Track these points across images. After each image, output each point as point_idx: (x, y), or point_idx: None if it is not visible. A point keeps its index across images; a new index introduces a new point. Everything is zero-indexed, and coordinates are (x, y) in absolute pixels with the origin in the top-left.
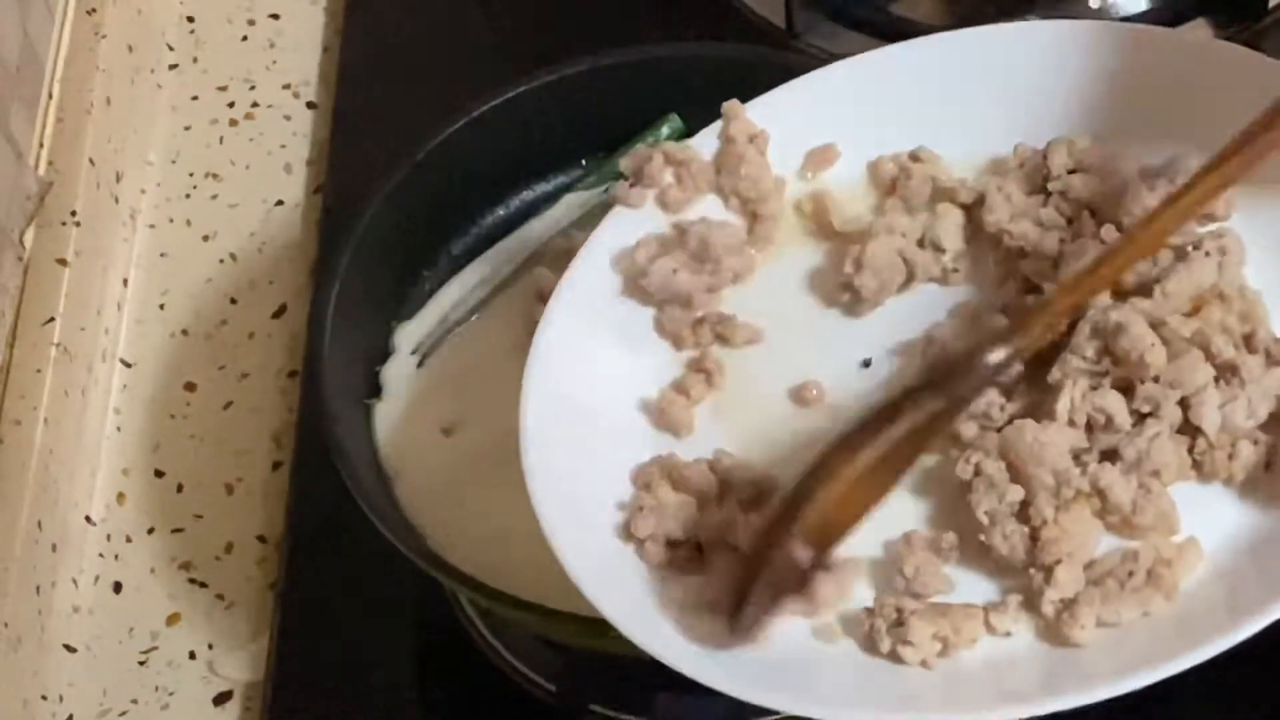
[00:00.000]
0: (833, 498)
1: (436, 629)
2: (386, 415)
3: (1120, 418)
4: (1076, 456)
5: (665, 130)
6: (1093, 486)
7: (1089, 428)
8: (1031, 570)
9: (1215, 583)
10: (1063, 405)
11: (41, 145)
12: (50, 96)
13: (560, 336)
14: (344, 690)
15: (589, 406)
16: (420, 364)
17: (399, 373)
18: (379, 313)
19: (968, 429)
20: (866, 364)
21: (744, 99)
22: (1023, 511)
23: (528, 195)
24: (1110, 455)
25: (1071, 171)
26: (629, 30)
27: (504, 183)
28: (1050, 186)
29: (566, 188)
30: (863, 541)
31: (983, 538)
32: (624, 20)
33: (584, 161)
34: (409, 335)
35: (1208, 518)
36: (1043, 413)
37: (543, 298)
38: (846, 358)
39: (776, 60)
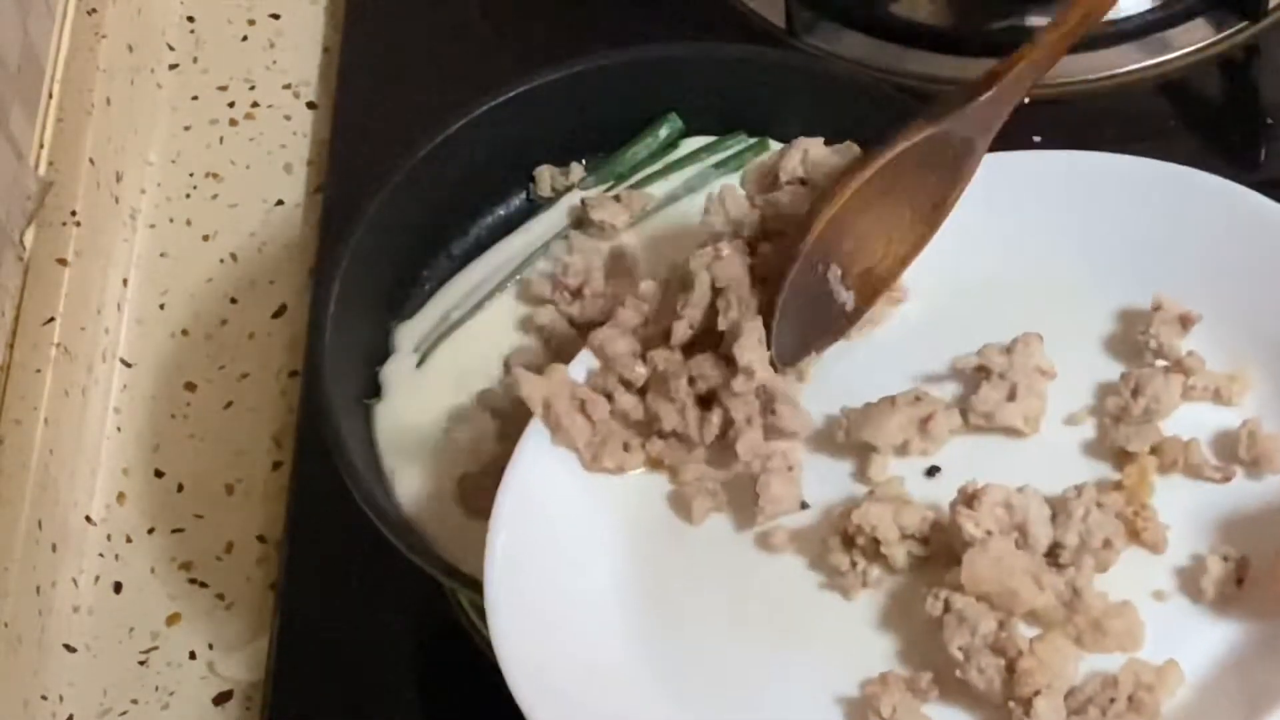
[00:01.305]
0: (841, 211)
1: (436, 629)
2: (386, 415)
3: (1036, 513)
4: (1033, 576)
5: (665, 130)
6: (1057, 595)
7: (1019, 543)
8: (1010, 703)
9: (1197, 704)
10: (970, 528)
11: (41, 145)
12: (50, 96)
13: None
14: (344, 690)
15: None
16: (420, 364)
17: (399, 373)
18: (379, 313)
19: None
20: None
21: (744, 99)
22: (997, 643)
23: (528, 195)
24: (1054, 554)
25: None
26: (629, 30)
27: (504, 183)
28: None
29: (566, 188)
30: (838, 682)
31: (958, 673)
32: (624, 20)
33: (584, 161)
34: (409, 335)
35: (1185, 638)
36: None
37: (539, 300)
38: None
39: (776, 60)
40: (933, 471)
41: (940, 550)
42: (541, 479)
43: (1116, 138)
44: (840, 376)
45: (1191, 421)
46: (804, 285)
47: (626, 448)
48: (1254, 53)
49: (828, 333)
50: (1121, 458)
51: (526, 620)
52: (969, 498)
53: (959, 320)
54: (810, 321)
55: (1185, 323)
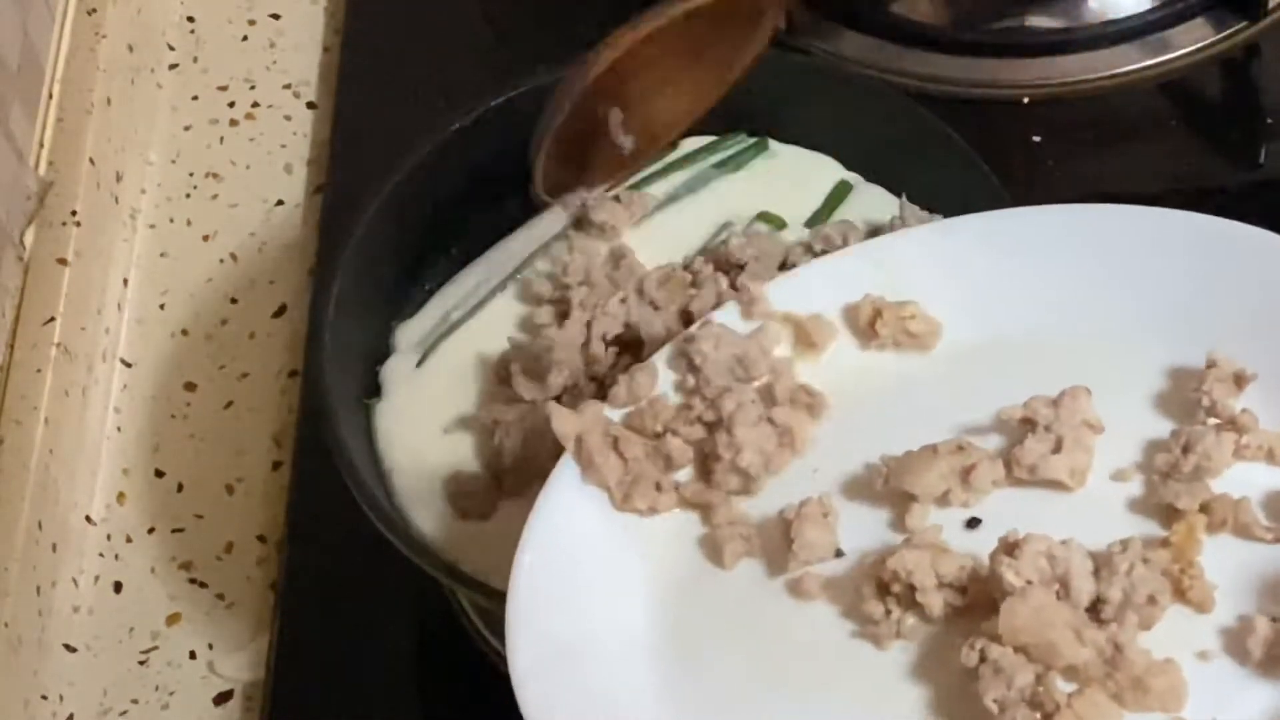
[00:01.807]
0: (634, 53)
1: (436, 629)
2: (386, 415)
3: (1079, 565)
4: (1074, 630)
5: None
6: (1097, 650)
7: (1060, 595)
8: None
9: None
10: (1011, 577)
11: (41, 145)
12: (50, 96)
13: (540, 566)
14: (344, 690)
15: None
16: (420, 364)
17: (399, 373)
18: (379, 313)
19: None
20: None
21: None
22: (1034, 697)
23: (528, 195)
24: (1096, 609)
25: None
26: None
27: (504, 183)
28: None
29: None
30: None
31: None
32: (624, 20)
33: None
34: (409, 335)
35: (1229, 699)
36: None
37: (539, 300)
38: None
39: (776, 60)
40: (973, 523)
41: (978, 600)
42: (571, 513)
43: (1116, 138)
44: (883, 424)
45: (1242, 480)
46: (580, 125)
47: (659, 488)
48: (1254, 53)
49: (602, 171)
50: (1169, 515)
51: (545, 648)
52: (1010, 546)
53: (1005, 372)
54: (584, 158)
55: (1240, 381)
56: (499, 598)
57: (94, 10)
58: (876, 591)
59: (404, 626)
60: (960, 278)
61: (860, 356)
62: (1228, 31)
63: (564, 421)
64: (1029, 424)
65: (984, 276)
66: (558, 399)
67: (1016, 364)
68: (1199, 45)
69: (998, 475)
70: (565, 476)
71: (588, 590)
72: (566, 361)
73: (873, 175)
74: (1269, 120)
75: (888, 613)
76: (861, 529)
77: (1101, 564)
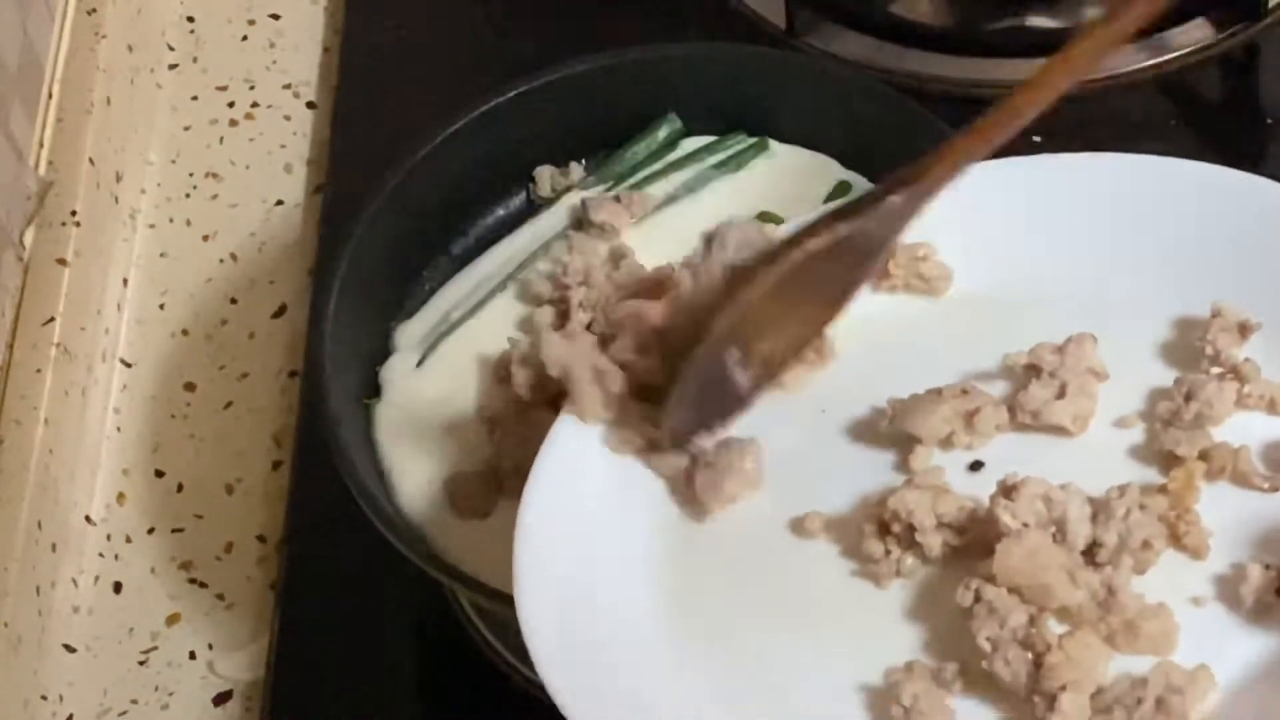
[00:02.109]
0: (752, 300)
1: (436, 629)
2: (386, 415)
3: (1077, 509)
4: (1068, 572)
5: (664, 131)
6: (1091, 593)
7: (1057, 538)
8: (1035, 698)
9: (1227, 711)
10: (1007, 519)
11: (41, 145)
12: (50, 96)
13: (545, 510)
14: (344, 690)
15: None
16: (420, 364)
17: (399, 373)
18: (379, 313)
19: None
20: None
21: (744, 99)
22: (1026, 637)
23: (528, 195)
24: (1091, 552)
25: None
26: (629, 30)
27: (504, 183)
28: None
29: (566, 188)
30: (864, 670)
31: (985, 665)
32: (624, 20)
33: (584, 161)
34: (409, 335)
35: (1220, 645)
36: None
37: (538, 300)
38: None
39: (776, 60)
40: (976, 466)
41: (976, 542)
42: (573, 455)
43: (1116, 138)
44: (890, 368)
45: (1243, 430)
46: (702, 371)
47: (649, 423)
48: (1254, 53)
49: (724, 412)
50: (1169, 462)
51: (553, 592)
52: (1008, 489)
53: (1012, 319)
54: (707, 401)
55: (1244, 330)
56: (499, 598)
57: (94, 10)
58: (877, 531)
59: (404, 626)
60: (971, 223)
61: (871, 299)
62: (1228, 31)
63: (552, 348)
64: (1034, 370)
65: (994, 222)
66: (557, 400)
67: (1024, 311)
68: (1199, 45)
69: (1001, 420)
70: (567, 420)
71: (592, 531)
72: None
73: (872, 175)
74: (1269, 120)
75: (887, 552)
76: (866, 471)
77: (1099, 509)
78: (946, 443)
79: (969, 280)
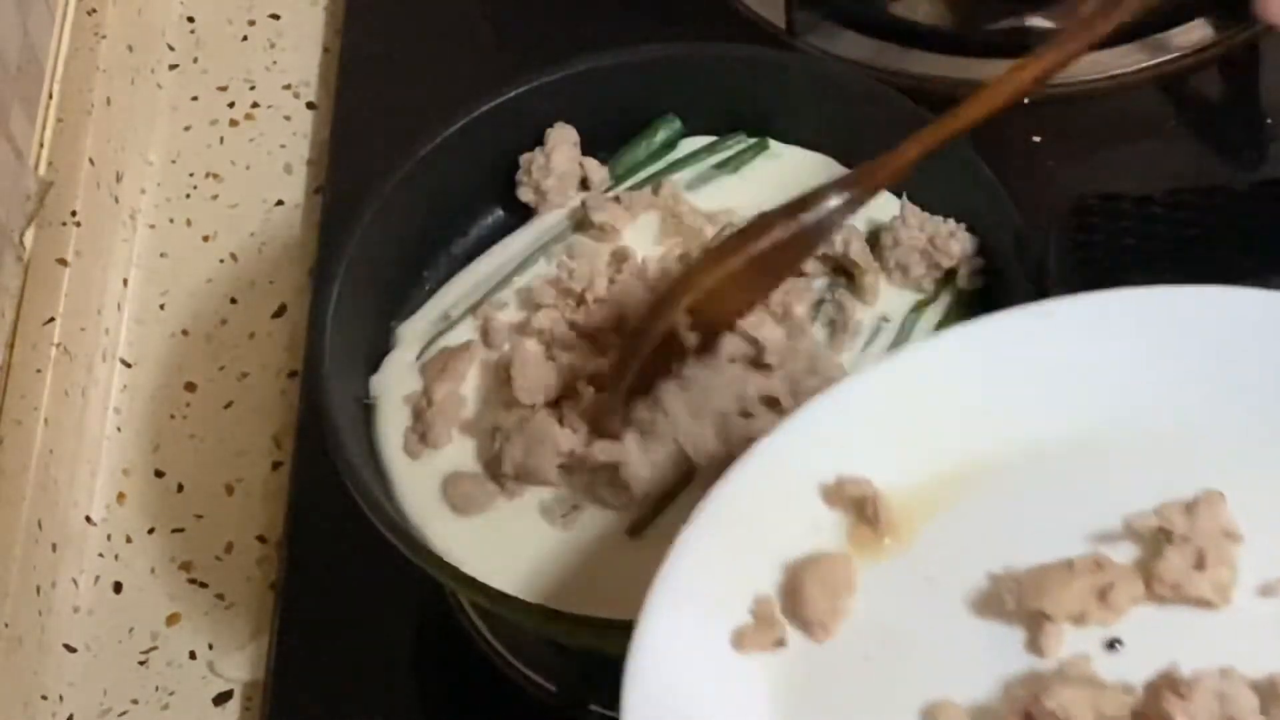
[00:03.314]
0: (709, 287)
1: (436, 629)
2: (386, 415)
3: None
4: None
5: (662, 133)
6: None
7: None
8: None
9: None
10: None
11: (41, 145)
12: (50, 96)
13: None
14: (344, 690)
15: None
16: (420, 364)
17: (399, 372)
18: (379, 312)
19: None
20: None
21: (744, 99)
22: None
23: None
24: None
25: None
26: (629, 30)
27: (504, 183)
28: None
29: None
30: None
31: None
32: (624, 20)
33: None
34: (409, 334)
35: None
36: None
37: (540, 304)
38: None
39: (776, 60)
40: (1113, 645)
41: None
42: (672, 650)
43: (1116, 138)
44: (998, 530)
45: None
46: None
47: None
48: (1254, 53)
49: (665, 366)
50: None
51: None
52: (1177, 685)
53: (1125, 470)
54: (654, 367)
55: None
56: (499, 598)
57: (94, 10)
58: None
59: (404, 626)
60: (1069, 364)
61: (969, 446)
62: (1228, 32)
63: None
64: (1164, 534)
65: (1093, 362)
66: (557, 402)
67: (1138, 459)
68: (1199, 45)
69: (1137, 593)
70: (661, 608)
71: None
72: (566, 364)
73: None
74: (1269, 120)
75: None
76: (993, 651)
77: (1264, 696)
78: (1079, 619)
79: (1070, 424)
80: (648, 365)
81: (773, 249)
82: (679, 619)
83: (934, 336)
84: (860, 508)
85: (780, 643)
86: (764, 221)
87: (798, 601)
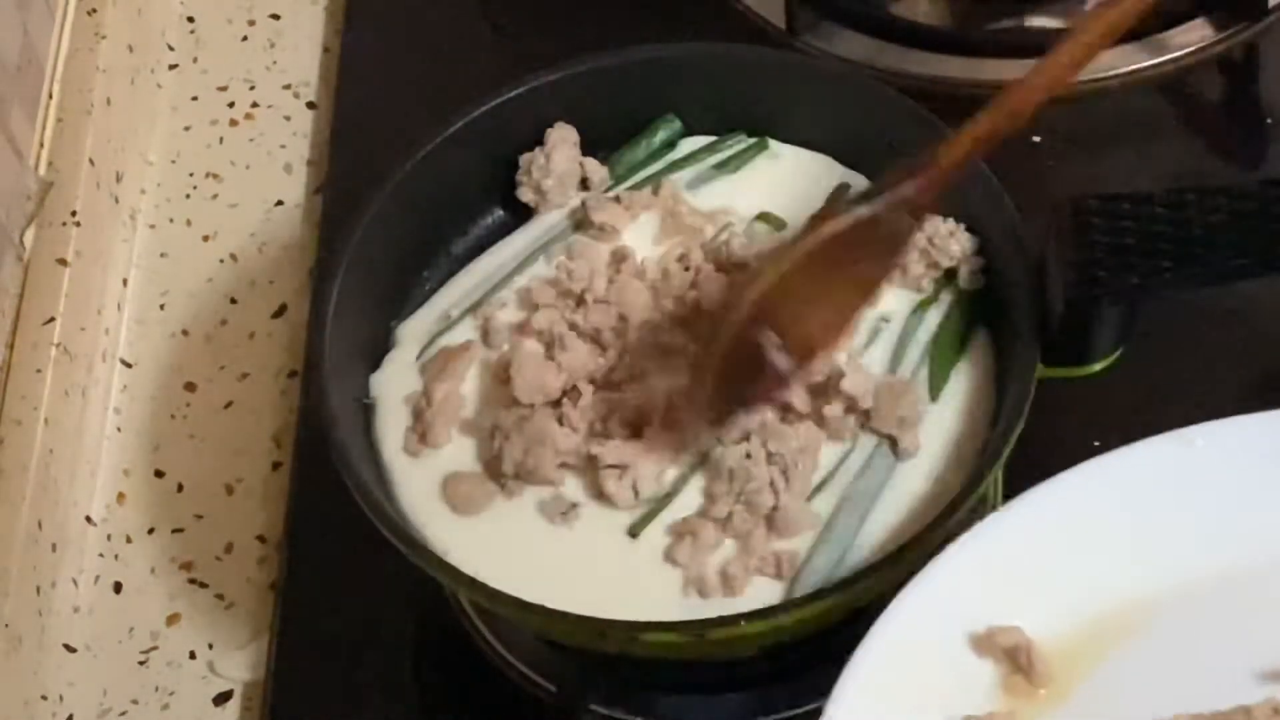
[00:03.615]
0: (775, 281)
1: (436, 629)
2: (386, 415)
3: None
4: None
5: (661, 134)
6: None
7: None
8: None
9: None
10: None
11: (41, 145)
12: (50, 96)
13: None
14: (344, 690)
15: None
16: (420, 363)
17: (399, 372)
18: (379, 313)
19: None
20: None
21: (744, 99)
22: None
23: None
24: None
25: None
26: (629, 30)
27: (504, 183)
28: None
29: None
30: None
31: None
32: (624, 20)
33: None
34: (409, 334)
35: None
36: None
37: (539, 305)
38: None
39: (776, 60)
40: None
41: None
42: None
43: (1116, 138)
44: (1169, 671)
45: None
46: (736, 357)
47: None
48: (1254, 53)
49: (765, 392)
50: None
51: None
52: None
53: (1266, 602)
54: (748, 382)
55: None
56: (499, 598)
57: (94, 10)
58: None
59: (404, 626)
60: (1215, 492)
61: (1130, 585)
62: (1228, 32)
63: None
64: None
65: (1240, 488)
66: (558, 402)
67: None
68: (1199, 45)
69: None
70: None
71: None
72: (566, 364)
73: (873, 175)
74: (1269, 120)
75: None
76: None
77: None
78: None
79: (1225, 556)
80: (732, 365)
81: (833, 241)
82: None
83: (1068, 472)
84: (1013, 657)
85: None
86: (822, 213)
87: None
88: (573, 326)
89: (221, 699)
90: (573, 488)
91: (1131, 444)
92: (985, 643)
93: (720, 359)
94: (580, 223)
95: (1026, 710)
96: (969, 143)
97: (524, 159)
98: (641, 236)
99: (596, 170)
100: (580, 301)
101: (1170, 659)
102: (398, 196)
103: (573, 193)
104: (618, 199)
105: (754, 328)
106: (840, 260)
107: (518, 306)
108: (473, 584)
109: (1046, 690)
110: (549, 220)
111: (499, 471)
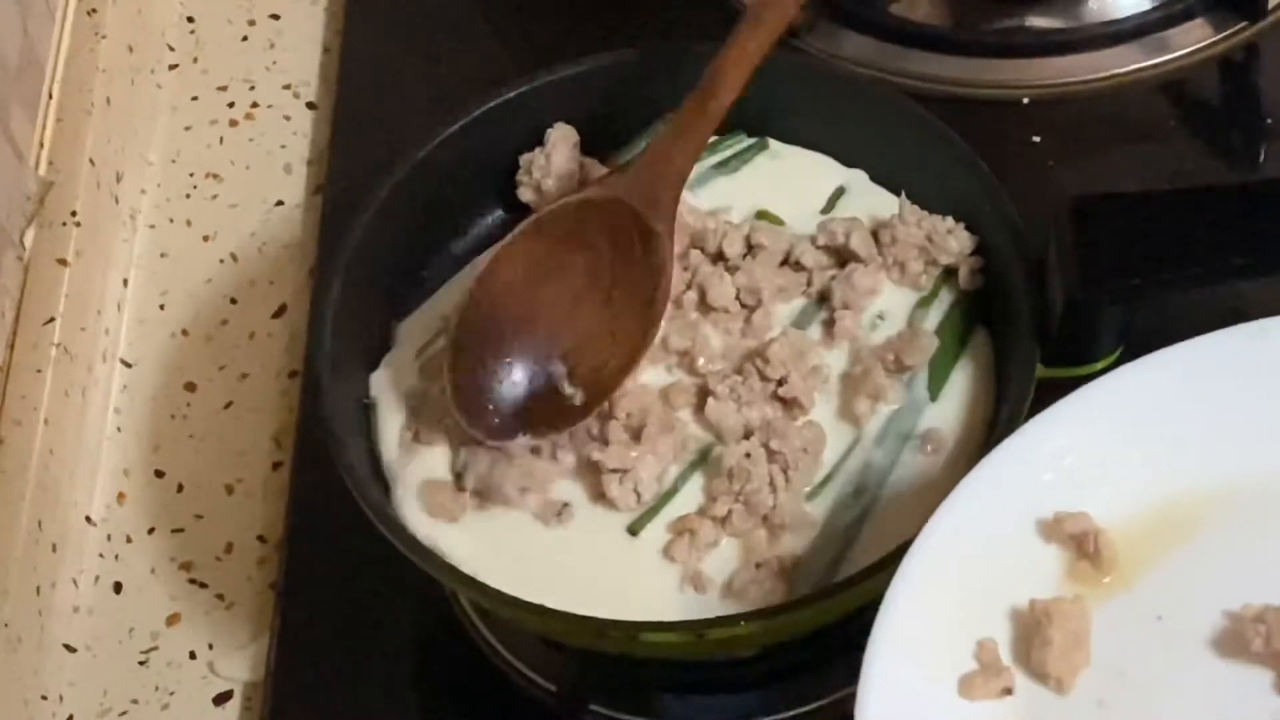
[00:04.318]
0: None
1: (436, 629)
2: (386, 415)
3: None
4: None
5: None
6: None
7: None
8: None
9: None
10: None
11: (41, 145)
12: (50, 96)
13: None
14: (344, 690)
15: None
16: (420, 363)
17: (399, 371)
18: (379, 312)
19: None
20: None
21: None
22: None
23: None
24: None
25: None
26: (629, 30)
27: (504, 183)
28: None
29: None
30: None
31: None
32: (624, 20)
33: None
34: (409, 333)
35: None
36: None
37: None
38: None
39: (776, 60)
40: None
41: None
42: (900, 699)
43: (1116, 138)
44: (1238, 562)
45: None
46: (527, 375)
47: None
48: (1254, 53)
49: (560, 423)
50: None
51: None
52: None
53: None
54: (539, 412)
55: None
56: (499, 598)
57: (94, 10)
58: None
59: (404, 626)
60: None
61: (1185, 485)
62: (1228, 31)
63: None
64: None
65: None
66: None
67: None
68: (1199, 45)
69: None
70: (884, 645)
71: None
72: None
73: (873, 175)
74: (1268, 121)
75: None
76: (1240, 693)
77: None
78: None
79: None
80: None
81: (550, 217)
82: (903, 666)
83: (1137, 361)
84: (1080, 543)
85: (1008, 691)
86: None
87: (1032, 652)
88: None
89: (221, 699)
90: (564, 487)
91: (1202, 335)
92: (1052, 528)
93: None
94: None
95: (1091, 597)
96: (688, 126)
97: (524, 159)
98: None
99: (596, 170)
100: (539, 188)
101: (1237, 552)
102: (398, 196)
103: (567, 190)
104: None
105: (535, 353)
106: (603, 270)
107: None
108: (473, 584)
109: (1111, 578)
110: None
111: (462, 485)
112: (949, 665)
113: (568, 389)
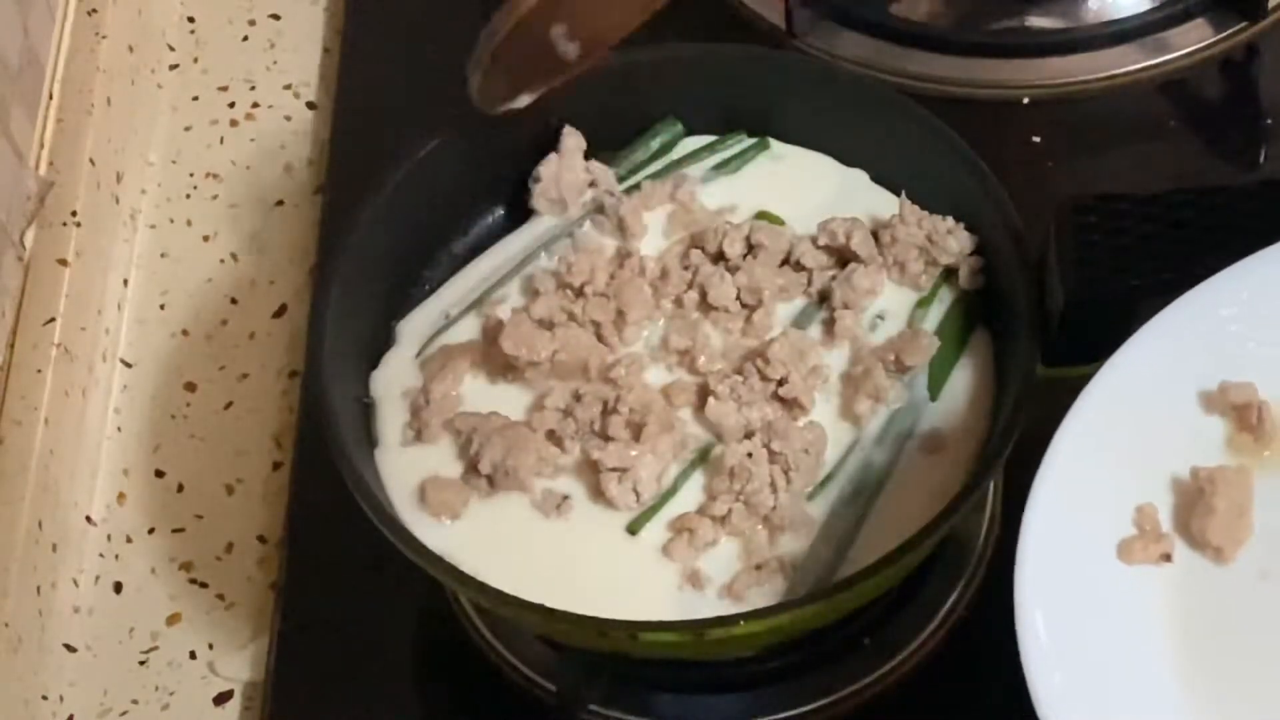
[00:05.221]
0: None
1: (436, 629)
2: (386, 414)
3: None
4: None
5: (661, 137)
6: None
7: None
8: None
9: None
10: None
11: (42, 145)
12: (50, 96)
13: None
14: (344, 690)
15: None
16: (420, 361)
17: (399, 370)
18: (379, 312)
19: None
20: None
21: (744, 99)
22: None
23: (528, 195)
24: None
25: None
26: None
27: (505, 183)
28: None
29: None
30: None
31: None
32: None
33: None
34: (409, 332)
35: None
36: None
37: (539, 294)
38: None
39: (776, 60)
40: None
41: None
42: (1059, 552)
43: (1116, 138)
44: None
45: None
46: (522, 41)
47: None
48: (1254, 53)
49: (543, 78)
50: None
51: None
52: None
53: None
54: (525, 68)
55: None
56: (499, 598)
57: (94, 10)
58: None
59: (404, 626)
60: None
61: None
62: (1228, 32)
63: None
64: None
65: None
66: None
67: None
68: (1199, 45)
69: None
70: (1044, 501)
71: (1101, 618)
72: (559, 336)
73: (873, 175)
74: (1269, 120)
75: None
76: None
77: None
78: None
79: None
80: (515, 51)
81: None
82: (1062, 524)
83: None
84: (1243, 414)
85: (1167, 557)
86: None
87: (1193, 520)
88: (571, 316)
89: (221, 699)
90: (564, 483)
91: None
92: (1216, 398)
93: (504, 42)
94: (595, 220)
95: (1250, 467)
96: None
97: (540, 170)
98: (652, 230)
99: (604, 174)
100: (580, 294)
101: None
102: (398, 196)
103: (577, 197)
104: (637, 186)
105: (541, 17)
106: None
107: (519, 302)
108: (472, 583)
109: (1271, 451)
110: (550, 220)
111: (477, 472)
112: (1108, 527)
113: (565, 45)
